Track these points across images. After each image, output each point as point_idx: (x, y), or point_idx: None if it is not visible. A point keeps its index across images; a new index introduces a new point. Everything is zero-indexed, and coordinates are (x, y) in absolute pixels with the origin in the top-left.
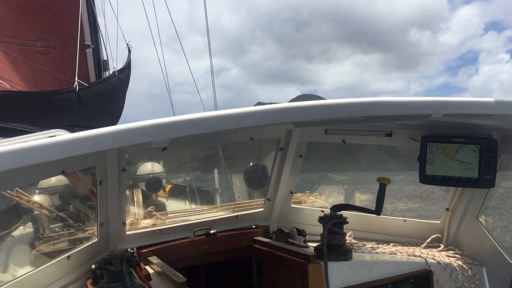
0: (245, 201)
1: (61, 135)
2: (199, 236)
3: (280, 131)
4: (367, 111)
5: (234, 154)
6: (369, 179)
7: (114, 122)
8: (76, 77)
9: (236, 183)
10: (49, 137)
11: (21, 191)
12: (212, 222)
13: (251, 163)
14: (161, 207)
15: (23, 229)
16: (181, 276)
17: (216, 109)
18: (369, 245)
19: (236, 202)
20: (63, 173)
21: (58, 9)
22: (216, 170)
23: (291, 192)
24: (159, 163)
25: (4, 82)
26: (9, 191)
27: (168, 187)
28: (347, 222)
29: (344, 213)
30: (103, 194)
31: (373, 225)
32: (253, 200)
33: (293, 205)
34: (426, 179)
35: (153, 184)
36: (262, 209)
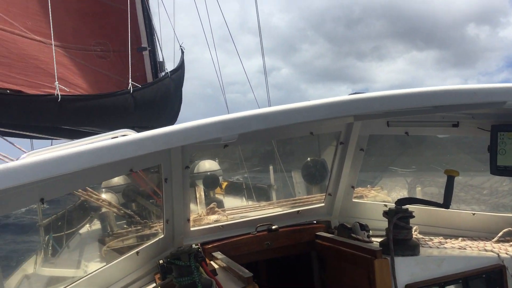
0: (305, 197)
1: (130, 134)
2: (261, 231)
3: (341, 125)
4: (435, 100)
5: (289, 150)
6: (434, 172)
7: (172, 122)
8: (130, 79)
9: (296, 179)
10: (121, 136)
11: (90, 189)
12: (273, 218)
13: (309, 158)
14: (219, 204)
15: (93, 227)
16: (247, 271)
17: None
18: (436, 239)
19: (296, 198)
20: (131, 171)
21: (115, 14)
22: (271, 167)
23: (352, 187)
24: (215, 160)
25: (63, 86)
26: (81, 190)
27: (224, 184)
28: (413, 216)
29: (409, 207)
30: (168, 191)
31: (440, 219)
32: (313, 195)
33: (354, 200)
34: (497, 170)
35: (210, 182)
36: (323, 204)
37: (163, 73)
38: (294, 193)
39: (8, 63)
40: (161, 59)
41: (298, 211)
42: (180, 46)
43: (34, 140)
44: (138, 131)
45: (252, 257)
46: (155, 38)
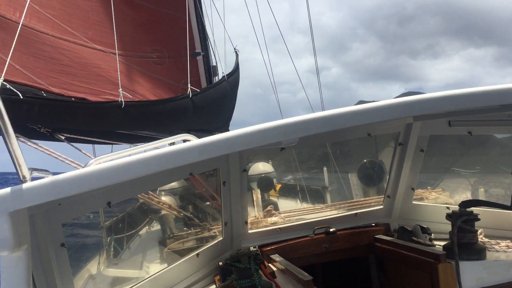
0: (362, 199)
1: (191, 139)
2: (319, 234)
3: (399, 125)
4: (503, 99)
5: (344, 151)
6: (499, 173)
7: (227, 124)
8: (189, 84)
9: (353, 181)
10: (183, 141)
11: (151, 192)
12: (330, 220)
13: (365, 160)
14: (273, 207)
15: (153, 229)
16: (307, 274)
17: (322, 107)
18: (503, 243)
19: (353, 200)
20: (190, 174)
21: (170, 21)
22: (325, 168)
23: (412, 189)
24: (268, 162)
25: (126, 93)
26: (143, 193)
27: (278, 186)
28: (479, 219)
29: (474, 209)
30: (227, 194)
31: (507, 222)
32: (371, 198)
33: (414, 202)
34: None
35: (264, 184)
36: (382, 207)
37: (216, 77)
38: (351, 195)
39: (71, 72)
40: (214, 64)
41: (355, 213)
42: (235, 49)
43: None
44: (194, 135)
45: (309, 260)
46: (208, 43)
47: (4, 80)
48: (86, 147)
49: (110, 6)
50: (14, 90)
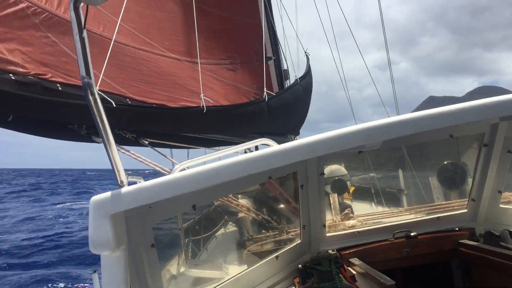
0: (444, 202)
1: (271, 144)
2: (399, 238)
3: (484, 126)
4: None
5: (421, 153)
6: None
7: (298, 127)
8: (265, 88)
9: (433, 183)
10: (261, 145)
11: (230, 195)
12: (411, 224)
13: (446, 162)
14: (346, 209)
15: (231, 231)
16: (389, 278)
17: (396, 105)
18: None
19: (435, 204)
20: (269, 178)
21: (241, 27)
22: (400, 170)
23: (499, 192)
24: (340, 165)
25: (208, 98)
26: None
27: (352, 189)
28: None
29: None
30: (304, 197)
31: None
32: (454, 201)
33: (501, 206)
34: None
35: (338, 187)
36: (466, 210)
37: (288, 81)
38: (430, 199)
39: (150, 81)
40: (285, 67)
41: (438, 217)
42: (305, 52)
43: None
44: (269, 138)
45: (389, 264)
46: (279, 47)
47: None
48: (163, 152)
49: (184, 16)
50: (108, 98)
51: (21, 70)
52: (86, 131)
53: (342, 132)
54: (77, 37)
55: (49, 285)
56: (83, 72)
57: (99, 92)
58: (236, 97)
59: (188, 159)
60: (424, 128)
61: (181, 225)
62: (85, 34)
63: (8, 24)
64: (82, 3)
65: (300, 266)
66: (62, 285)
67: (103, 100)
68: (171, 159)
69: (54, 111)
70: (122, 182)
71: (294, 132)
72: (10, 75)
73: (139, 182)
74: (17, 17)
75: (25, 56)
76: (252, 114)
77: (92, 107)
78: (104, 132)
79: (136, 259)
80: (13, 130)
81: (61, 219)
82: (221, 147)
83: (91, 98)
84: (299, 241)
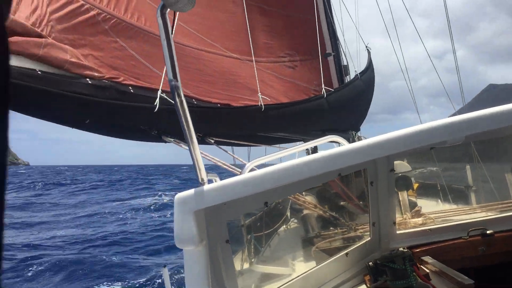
0: None
1: (340, 141)
2: (474, 236)
3: None
4: None
5: (491, 146)
6: None
7: (359, 122)
8: (323, 84)
9: (510, 179)
10: (330, 142)
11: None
12: (485, 221)
13: None
14: (412, 207)
15: (294, 227)
16: (467, 278)
17: (462, 94)
18: None
19: (510, 200)
20: (339, 175)
21: (300, 24)
22: (468, 166)
23: None
24: (403, 161)
25: (266, 97)
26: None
27: (416, 185)
28: None
29: None
30: (374, 194)
31: None
32: None
33: None
34: None
35: (403, 183)
36: None
37: (348, 77)
38: (505, 195)
39: (212, 81)
40: (345, 63)
41: None
42: (366, 46)
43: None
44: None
45: (462, 263)
46: (338, 43)
47: (162, 92)
48: (226, 150)
49: (244, 16)
50: (170, 100)
51: (96, 74)
52: (156, 131)
53: (425, 128)
54: (164, 42)
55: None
56: (170, 75)
57: (162, 95)
58: (296, 94)
59: (257, 158)
60: (509, 122)
61: (244, 222)
62: (172, 39)
63: (81, 31)
64: (169, 9)
65: (370, 263)
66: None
67: (164, 101)
68: (239, 158)
69: (130, 114)
70: (203, 179)
71: (355, 128)
72: (87, 79)
73: (215, 180)
74: (88, 24)
75: (98, 61)
76: (311, 111)
77: (178, 108)
78: (188, 131)
79: (212, 255)
80: (89, 131)
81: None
82: (281, 145)
83: (177, 99)
84: (369, 238)
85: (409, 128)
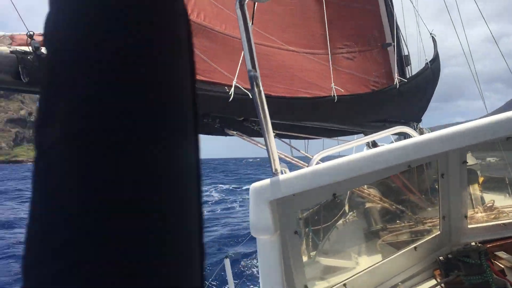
0: None
1: (409, 132)
2: None
3: None
4: None
5: None
6: None
7: (421, 113)
8: (396, 74)
9: None
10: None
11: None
12: None
13: None
14: (477, 201)
15: (354, 220)
16: None
17: None
18: None
19: None
20: (409, 167)
21: (358, 14)
22: None
23: None
24: (468, 153)
25: (338, 88)
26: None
27: (481, 179)
28: None
29: None
30: (445, 186)
31: None
32: None
33: None
34: None
35: (469, 177)
36: None
37: (409, 67)
38: None
39: (269, 75)
40: (406, 53)
41: None
42: (431, 34)
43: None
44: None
45: None
46: (399, 32)
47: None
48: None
49: (302, 8)
50: (244, 90)
51: None
52: (219, 125)
53: (503, 118)
54: (243, 34)
55: None
56: (249, 65)
57: (237, 85)
58: (354, 86)
59: (319, 151)
60: None
61: (301, 215)
62: (250, 30)
63: None
64: (247, 1)
65: (441, 258)
66: None
67: (242, 93)
68: (302, 151)
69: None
70: (276, 170)
71: (416, 119)
72: None
73: (285, 171)
74: None
75: None
76: (379, 102)
77: (256, 98)
78: (265, 121)
79: (282, 245)
80: None
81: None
82: (339, 137)
83: (256, 89)
84: (438, 232)
85: (484, 119)
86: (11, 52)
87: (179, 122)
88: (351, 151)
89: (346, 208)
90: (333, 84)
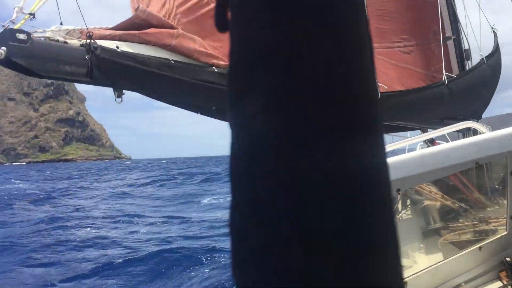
0: None
1: (478, 128)
2: None
3: None
4: None
5: None
6: None
7: (481, 110)
8: (444, 70)
9: None
10: (464, 128)
11: None
12: None
13: None
14: None
15: (414, 218)
16: None
17: None
18: None
19: None
20: (476, 164)
21: (416, 7)
22: None
23: None
24: None
25: (382, 84)
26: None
27: None
28: None
29: None
30: None
31: None
32: None
33: None
34: None
35: None
36: None
37: (469, 61)
38: None
39: None
40: (467, 47)
41: None
42: (492, 28)
43: None
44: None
45: None
46: (459, 26)
47: None
48: None
49: None
50: None
51: (222, 63)
52: None
53: None
54: None
55: None
56: None
57: None
58: (412, 80)
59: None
60: None
61: None
62: None
63: (202, 23)
64: None
65: (508, 259)
66: None
67: None
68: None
69: None
70: None
71: (476, 116)
72: (213, 68)
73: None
74: (209, 16)
75: (218, 51)
76: (431, 98)
77: None
78: None
79: None
80: (214, 118)
81: None
82: (394, 133)
83: None
84: (505, 232)
85: None
86: (81, 45)
87: (373, 119)
88: (404, 148)
89: (399, 205)
90: (377, 81)
